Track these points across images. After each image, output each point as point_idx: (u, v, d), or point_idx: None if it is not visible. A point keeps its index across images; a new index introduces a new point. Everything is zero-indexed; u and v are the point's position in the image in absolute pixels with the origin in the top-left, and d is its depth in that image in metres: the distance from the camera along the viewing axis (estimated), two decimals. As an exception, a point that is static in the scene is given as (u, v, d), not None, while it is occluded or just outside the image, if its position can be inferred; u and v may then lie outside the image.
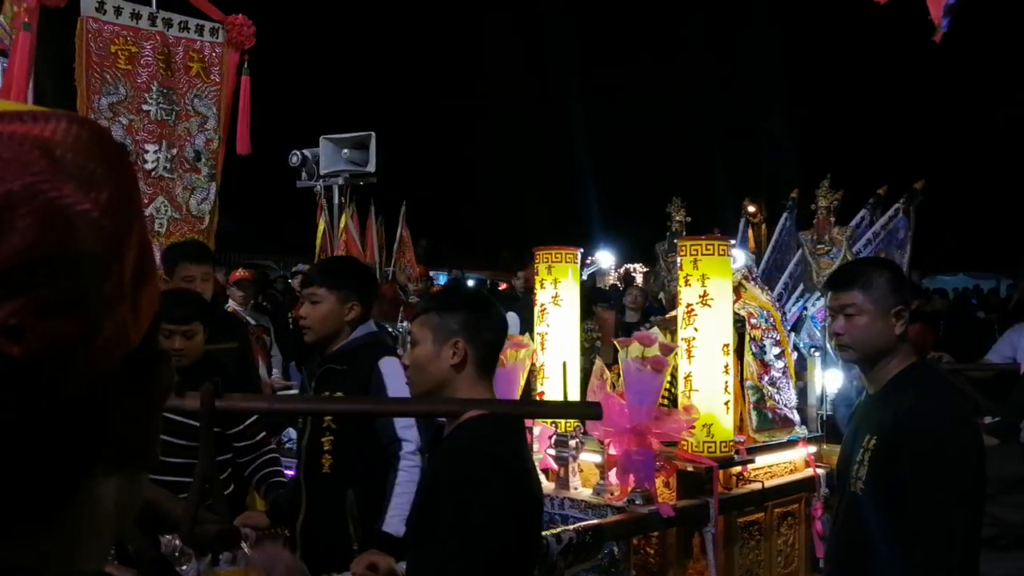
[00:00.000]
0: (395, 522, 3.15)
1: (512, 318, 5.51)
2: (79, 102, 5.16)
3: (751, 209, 6.32)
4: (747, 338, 4.43)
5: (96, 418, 0.56)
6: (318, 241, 8.98)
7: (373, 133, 8.30)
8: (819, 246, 5.15)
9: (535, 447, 4.03)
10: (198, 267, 4.26)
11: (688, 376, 4.07)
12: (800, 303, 5.33)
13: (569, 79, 27.41)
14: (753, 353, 4.44)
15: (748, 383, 4.40)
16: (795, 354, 4.81)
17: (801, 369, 4.87)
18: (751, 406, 4.39)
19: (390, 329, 7.84)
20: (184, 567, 2.91)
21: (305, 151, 8.70)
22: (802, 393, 4.79)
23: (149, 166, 5.43)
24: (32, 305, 0.51)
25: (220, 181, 5.79)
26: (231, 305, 6.65)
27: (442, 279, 16.99)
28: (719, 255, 4.06)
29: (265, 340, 6.85)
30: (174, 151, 5.56)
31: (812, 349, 5.02)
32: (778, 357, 4.54)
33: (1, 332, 0.51)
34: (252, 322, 6.72)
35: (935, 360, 6.36)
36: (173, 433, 3.10)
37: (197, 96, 5.66)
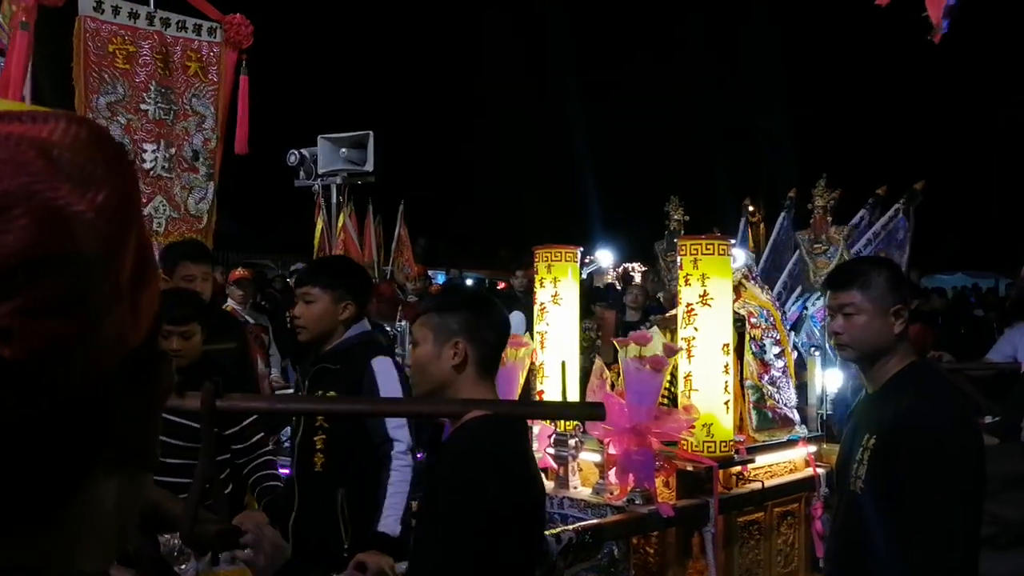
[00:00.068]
0: (391, 522, 3.15)
1: (518, 317, 5.50)
2: (77, 101, 5.15)
3: (750, 208, 6.32)
4: (747, 337, 4.43)
5: (95, 418, 0.56)
6: (316, 240, 8.98)
7: (371, 132, 8.29)
8: (816, 245, 5.15)
9: (535, 446, 4.03)
10: (198, 266, 4.25)
11: (688, 376, 4.06)
12: (799, 302, 5.34)
13: (567, 78, 27.39)
14: (753, 352, 4.43)
15: (748, 382, 4.40)
16: (795, 354, 4.81)
17: (801, 369, 4.87)
18: (751, 405, 4.39)
19: (388, 328, 7.84)
20: (183, 566, 2.91)
21: (303, 150, 8.69)
22: (802, 392, 4.79)
23: (147, 165, 5.42)
24: (26, 306, 0.51)
25: (218, 180, 5.79)
26: (230, 304, 6.64)
27: (440, 278, 16.97)
28: (719, 255, 4.06)
29: (263, 339, 6.84)
30: (172, 150, 5.56)
31: (812, 349, 5.02)
32: (778, 356, 4.54)
33: None
34: (251, 321, 6.71)
35: (935, 359, 6.37)
36: (172, 434, 3.10)
37: (195, 95, 5.66)
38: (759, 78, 25.49)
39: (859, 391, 2.85)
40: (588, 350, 5.48)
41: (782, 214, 5.97)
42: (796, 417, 4.60)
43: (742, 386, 4.36)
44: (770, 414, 4.45)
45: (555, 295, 4.61)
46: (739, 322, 4.35)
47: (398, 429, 3.22)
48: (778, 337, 4.57)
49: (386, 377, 3.29)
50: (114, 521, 0.60)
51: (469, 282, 17.21)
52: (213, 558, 1.95)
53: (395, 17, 27.51)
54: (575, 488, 4.15)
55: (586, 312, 5.19)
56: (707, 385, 4.02)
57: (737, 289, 4.39)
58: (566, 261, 4.66)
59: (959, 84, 23.38)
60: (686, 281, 4.04)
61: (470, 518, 1.88)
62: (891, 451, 2.34)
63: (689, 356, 4.05)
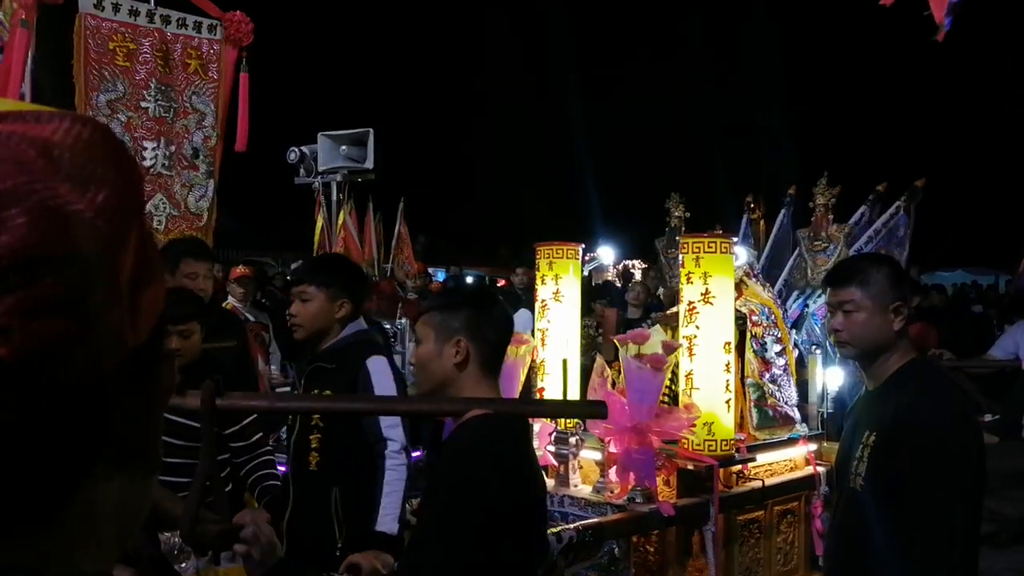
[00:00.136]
0: (388, 520, 3.16)
1: (526, 315, 5.50)
2: (77, 99, 5.15)
3: (751, 205, 6.31)
4: (748, 335, 4.43)
5: (95, 419, 0.56)
6: (316, 238, 8.96)
7: (371, 130, 8.27)
8: (816, 243, 5.15)
9: (535, 444, 4.02)
10: (200, 263, 4.25)
11: (689, 374, 4.06)
12: (800, 300, 5.33)
13: (567, 75, 27.37)
14: (754, 350, 4.43)
15: (749, 380, 4.40)
16: (795, 352, 4.81)
17: (801, 367, 4.87)
18: (752, 404, 4.38)
19: (388, 326, 7.83)
20: (183, 565, 2.91)
21: (303, 148, 8.67)
22: (802, 390, 4.78)
23: (147, 163, 5.42)
24: (22, 305, 0.51)
25: (218, 178, 5.78)
26: (230, 302, 6.64)
27: (440, 275, 16.97)
28: (721, 253, 4.05)
29: (264, 337, 6.83)
30: (172, 148, 5.56)
31: (812, 347, 5.02)
32: (779, 354, 4.53)
33: None
34: (251, 319, 6.70)
35: (935, 356, 6.36)
36: (171, 433, 3.09)
37: (195, 93, 5.65)
38: (759, 75, 25.47)
39: (856, 389, 2.85)
40: (589, 348, 5.46)
41: (782, 211, 5.96)
42: (797, 415, 4.60)
43: (743, 384, 4.36)
44: (771, 412, 4.45)
45: (556, 292, 4.61)
46: (740, 320, 4.35)
47: (392, 428, 3.22)
48: (779, 335, 4.57)
49: (381, 377, 3.29)
50: (115, 522, 0.60)
51: (469, 279, 17.22)
52: (214, 557, 1.95)
53: (395, 14, 27.49)
54: (575, 486, 4.15)
55: (586, 310, 5.18)
56: (708, 384, 4.02)
57: (738, 287, 4.39)
58: (567, 258, 4.65)
59: (960, 81, 23.36)
60: (688, 279, 4.04)
61: (470, 517, 1.88)
62: (891, 448, 2.34)
63: (691, 354, 4.05)
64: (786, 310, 5.08)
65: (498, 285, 13.65)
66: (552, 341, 4.60)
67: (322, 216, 8.88)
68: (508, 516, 1.92)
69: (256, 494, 3.60)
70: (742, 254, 4.52)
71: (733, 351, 4.12)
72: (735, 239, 4.45)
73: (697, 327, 4.03)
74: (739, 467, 4.16)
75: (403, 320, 8.21)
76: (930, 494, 2.24)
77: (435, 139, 26.99)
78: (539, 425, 4.16)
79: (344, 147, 8.35)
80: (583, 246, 4.89)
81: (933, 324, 7.81)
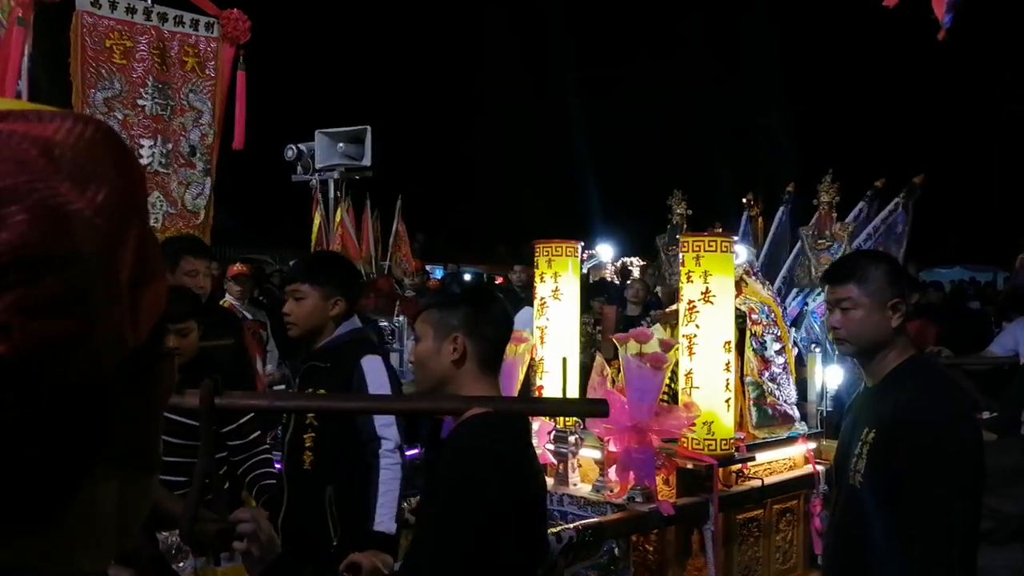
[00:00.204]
0: (386, 520, 3.16)
1: (527, 313, 5.49)
2: (74, 97, 5.14)
3: (745, 202, 6.31)
4: (748, 334, 4.42)
5: (94, 419, 0.56)
6: (313, 235, 8.95)
7: (369, 127, 8.25)
8: (820, 241, 5.14)
9: (535, 442, 4.02)
10: (201, 261, 4.25)
11: (689, 373, 4.05)
12: (800, 298, 5.32)
13: (566, 74, 27.37)
14: (754, 349, 4.42)
15: (748, 379, 4.39)
16: (795, 350, 4.80)
17: (800, 365, 4.86)
18: (751, 402, 4.38)
19: (385, 323, 7.82)
20: (181, 564, 2.90)
21: (300, 145, 8.64)
22: (801, 389, 4.78)
23: (144, 161, 5.40)
24: (22, 303, 0.51)
25: (215, 176, 5.77)
26: (228, 300, 6.63)
27: (438, 273, 16.97)
28: (722, 252, 4.04)
29: (262, 335, 6.82)
30: (169, 146, 5.54)
31: (812, 345, 5.02)
32: (779, 353, 4.53)
33: None
34: (249, 317, 6.69)
35: (934, 354, 6.36)
36: (168, 432, 3.07)
37: (192, 91, 5.64)
38: (757, 74, 25.49)
39: (854, 387, 2.85)
40: (587, 345, 5.45)
41: (781, 208, 5.95)
42: (796, 414, 4.59)
43: (742, 382, 4.35)
44: (770, 411, 4.44)
45: (555, 290, 4.60)
46: (740, 318, 4.34)
47: (386, 427, 3.22)
48: (779, 333, 4.56)
49: (375, 376, 3.29)
50: (115, 522, 0.60)
51: (467, 277, 17.21)
52: (213, 556, 1.94)
53: (393, 12, 27.45)
54: (575, 485, 4.14)
55: (584, 307, 5.18)
56: (708, 383, 4.01)
57: (738, 285, 4.38)
58: (567, 256, 4.64)
59: (958, 78, 23.36)
60: (688, 278, 4.03)
61: (470, 516, 1.87)
62: (890, 445, 2.34)
63: (690, 353, 4.04)
64: (785, 308, 5.08)
65: (496, 283, 13.63)
66: (551, 339, 4.59)
67: (319, 213, 8.86)
68: (508, 515, 1.91)
69: (254, 493, 3.60)
70: (742, 252, 4.51)
71: (733, 350, 4.11)
72: (735, 238, 4.44)
73: (697, 326, 4.02)
74: (738, 466, 4.15)
75: (401, 318, 8.20)
76: (929, 491, 2.24)
77: (434, 137, 26.98)
78: (538, 423, 4.15)
79: (341, 144, 8.33)
80: (582, 244, 4.88)
81: (931, 321, 7.81)
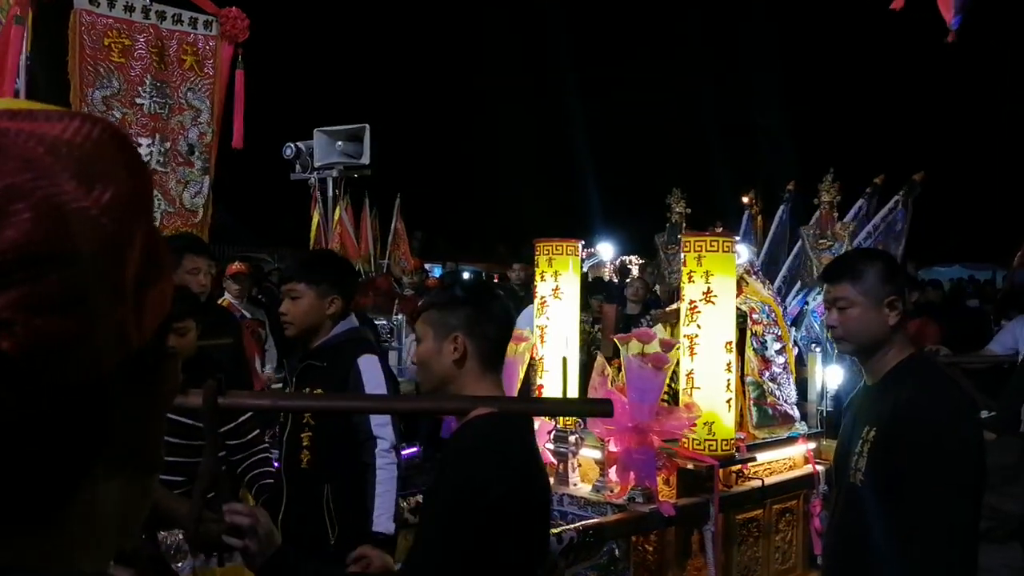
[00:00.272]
0: (384, 520, 3.16)
1: (530, 312, 5.49)
2: (72, 95, 5.12)
3: (745, 201, 6.31)
4: (748, 333, 4.41)
5: (95, 418, 0.56)
6: (312, 234, 8.94)
7: (367, 125, 8.24)
8: (821, 241, 5.13)
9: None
10: (202, 259, 4.25)
11: (690, 373, 4.04)
12: (800, 297, 5.31)
13: (566, 74, 27.37)
14: (754, 349, 4.41)
15: (748, 379, 4.38)
16: (795, 349, 4.79)
17: (800, 364, 4.85)
18: (751, 402, 4.37)
19: (384, 322, 7.81)
20: (179, 564, 2.89)
21: (299, 143, 8.63)
22: (801, 388, 4.77)
23: (142, 160, 5.39)
24: (25, 300, 0.51)
25: (213, 175, 5.76)
26: (227, 298, 6.63)
27: (437, 272, 16.96)
28: (723, 252, 4.03)
29: (260, 334, 6.82)
30: (167, 145, 5.53)
31: (812, 344, 5.01)
32: (779, 352, 4.52)
33: None
34: (247, 315, 6.69)
35: (932, 353, 6.35)
36: (167, 432, 3.07)
37: (190, 89, 5.63)
38: (757, 73, 25.50)
39: (854, 386, 2.84)
40: (587, 344, 5.44)
41: (781, 207, 5.95)
42: (796, 413, 4.59)
43: (743, 382, 4.35)
44: (770, 411, 4.44)
45: (556, 289, 4.59)
46: (740, 318, 4.33)
47: (382, 427, 3.21)
48: (779, 333, 4.55)
49: (371, 375, 3.29)
50: (116, 522, 0.60)
51: (466, 275, 17.20)
52: (218, 558, 1.93)
53: (392, 10, 27.43)
54: (575, 485, 4.13)
55: (583, 305, 5.18)
56: (709, 383, 4.00)
57: (739, 284, 4.37)
58: (567, 255, 4.63)
59: (959, 78, 23.36)
60: (690, 278, 4.02)
61: (473, 516, 1.87)
62: (891, 443, 2.33)
63: (692, 353, 4.03)
64: (785, 307, 5.07)
65: (494, 282, 13.62)
66: (551, 338, 4.58)
67: (318, 212, 8.85)
68: (512, 516, 1.91)
69: (253, 492, 3.59)
70: (743, 252, 4.51)
71: (734, 350, 4.10)
72: (736, 238, 4.43)
73: (698, 326, 4.01)
74: (739, 466, 4.15)
75: (399, 316, 8.20)
76: (928, 490, 2.24)
77: (433, 136, 26.98)
78: (538, 423, 4.14)
79: (340, 143, 8.32)
80: (582, 242, 4.87)
81: (934, 321, 7.81)
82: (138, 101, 5.41)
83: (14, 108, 0.56)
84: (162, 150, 5.50)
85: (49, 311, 0.52)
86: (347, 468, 3.25)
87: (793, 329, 4.97)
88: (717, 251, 4.00)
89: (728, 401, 4.02)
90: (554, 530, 3.27)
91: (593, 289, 8.09)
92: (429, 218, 18.66)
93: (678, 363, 4.06)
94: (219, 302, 6.24)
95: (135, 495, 0.62)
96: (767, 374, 4.43)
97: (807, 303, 5.24)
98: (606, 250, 11.28)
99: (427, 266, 14.65)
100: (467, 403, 2.02)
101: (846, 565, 2.57)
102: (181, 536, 2.83)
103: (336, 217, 9.03)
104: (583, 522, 3.56)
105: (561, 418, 4.12)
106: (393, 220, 11.99)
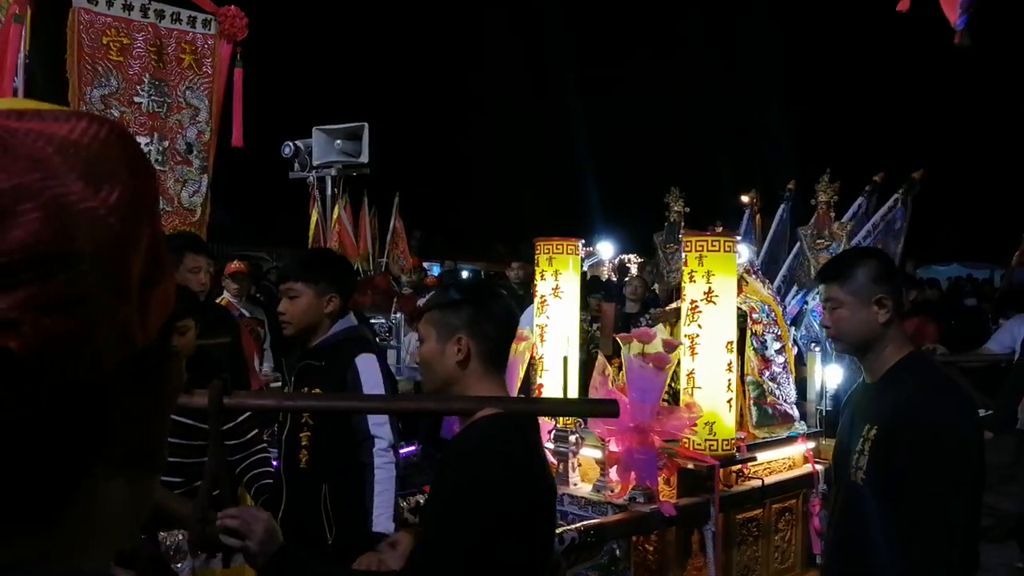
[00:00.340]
0: (383, 520, 3.15)
1: (531, 311, 5.49)
2: (71, 94, 5.11)
3: (744, 200, 6.31)
4: (748, 333, 4.41)
5: (96, 418, 0.56)
6: (311, 232, 8.94)
7: (366, 124, 8.24)
8: (819, 240, 5.13)
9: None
10: (203, 257, 4.25)
11: (691, 373, 4.04)
12: (799, 297, 5.31)
13: (566, 74, 27.39)
14: (754, 348, 4.41)
15: (748, 378, 4.38)
16: (794, 349, 4.79)
17: (800, 364, 4.85)
18: (751, 401, 4.37)
19: (383, 320, 7.81)
20: (179, 565, 2.88)
21: (298, 142, 8.63)
22: (801, 388, 4.77)
23: (141, 159, 5.37)
24: (33, 299, 0.51)
25: (211, 173, 5.75)
26: (225, 297, 6.63)
27: (436, 270, 16.94)
28: (725, 252, 4.03)
29: (259, 332, 6.81)
30: (166, 143, 5.52)
31: (811, 344, 5.01)
32: (779, 352, 4.52)
33: (0, 325, 0.51)
34: (246, 314, 6.68)
35: (929, 352, 6.34)
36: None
37: (189, 88, 5.61)
38: (756, 72, 25.53)
39: (851, 384, 2.84)
40: (586, 343, 5.44)
41: (781, 206, 5.94)
42: (795, 413, 4.59)
43: (742, 382, 4.34)
44: (770, 410, 4.44)
45: (556, 288, 4.58)
46: (740, 317, 4.33)
47: (379, 426, 3.20)
48: (779, 332, 4.55)
49: (369, 375, 3.27)
50: (117, 521, 0.60)
51: (465, 274, 17.19)
52: (223, 559, 1.92)
53: (392, 9, 27.41)
54: (575, 485, 4.12)
55: (582, 304, 5.18)
56: (710, 383, 4.00)
57: (739, 284, 4.37)
58: (567, 253, 4.62)
59: (957, 75, 23.36)
60: (691, 278, 4.01)
61: (476, 517, 1.86)
62: (891, 442, 2.33)
63: (693, 353, 4.03)
64: (785, 307, 5.07)
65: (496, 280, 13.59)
66: (551, 337, 4.58)
67: (317, 211, 8.85)
68: (515, 517, 1.90)
69: (252, 492, 3.58)
70: (743, 251, 4.50)
71: (735, 350, 4.10)
72: (738, 237, 4.43)
73: (699, 326, 4.01)
74: (739, 466, 4.15)
75: (398, 314, 8.19)
76: (928, 489, 2.23)
77: (432, 135, 26.96)
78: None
79: (339, 141, 8.32)
80: (582, 241, 4.86)
81: (933, 319, 7.80)
82: (136, 100, 5.40)
83: (21, 108, 0.57)
84: (160, 149, 5.49)
85: (57, 311, 0.52)
86: (345, 468, 3.25)
87: (793, 328, 4.97)
88: (718, 251, 3.99)
89: (729, 401, 4.02)
90: (556, 530, 3.27)
91: (591, 288, 8.09)
92: (428, 217, 18.65)
93: (679, 363, 4.06)
94: (217, 301, 6.24)
95: (137, 495, 0.61)
96: (767, 373, 4.43)
97: (806, 302, 5.24)
98: (605, 249, 11.27)
99: (426, 265, 14.63)
100: (472, 404, 2.01)
101: (848, 564, 2.56)
102: (181, 537, 2.82)
103: (335, 216, 9.02)
104: (584, 522, 3.55)
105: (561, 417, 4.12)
106: (392, 219, 11.97)
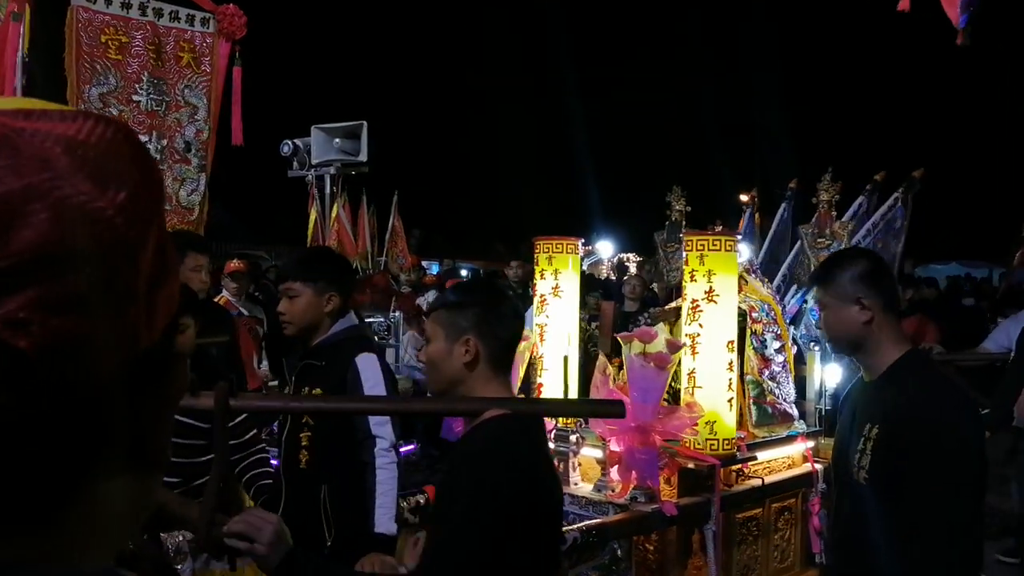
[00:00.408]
0: (385, 520, 3.13)
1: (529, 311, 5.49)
2: (69, 92, 5.10)
3: (744, 199, 6.31)
4: (748, 332, 4.40)
5: (99, 418, 0.55)
6: (309, 231, 8.93)
7: (365, 122, 8.23)
8: (820, 239, 5.12)
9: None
10: (205, 256, 4.24)
11: (692, 372, 4.03)
12: (799, 296, 5.31)
13: (566, 74, 27.41)
14: (754, 347, 4.41)
15: (748, 377, 4.38)
16: (794, 348, 4.79)
17: (799, 363, 4.85)
18: (751, 401, 4.37)
19: (381, 319, 7.81)
20: (180, 567, 2.88)
21: (296, 140, 8.62)
22: (800, 387, 4.77)
23: (140, 157, 5.37)
24: (42, 300, 0.51)
25: (210, 172, 5.74)
26: (224, 296, 6.63)
27: (435, 269, 16.95)
28: (726, 250, 4.02)
29: (258, 331, 6.81)
30: (164, 142, 5.51)
31: (811, 343, 5.00)
32: (778, 351, 4.52)
33: (10, 325, 0.51)
34: (245, 313, 6.68)
35: (926, 351, 6.34)
36: None
37: (187, 86, 5.60)
38: (756, 71, 25.55)
39: (849, 382, 2.85)
40: (584, 342, 5.43)
41: (783, 205, 5.94)
42: (795, 412, 4.58)
43: (742, 381, 4.34)
44: (770, 409, 4.43)
45: (556, 287, 4.57)
46: (740, 316, 4.33)
47: (381, 426, 3.18)
48: (779, 332, 4.55)
49: (369, 374, 3.25)
50: (118, 521, 0.60)
51: (464, 273, 17.17)
52: (230, 562, 1.91)
53: (392, 8, 27.39)
54: (576, 484, 4.12)
55: (580, 303, 5.18)
56: (711, 382, 3.99)
57: (738, 283, 4.37)
58: (567, 253, 4.62)
59: (957, 76, 23.38)
60: (692, 277, 4.01)
61: (484, 519, 1.85)
62: (892, 442, 2.32)
63: (694, 353, 4.02)
64: (784, 305, 5.07)
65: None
66: (551, 336, 4.57)
67: (315, 209, 8.84)
68: (523, 519, 1.89)
69: (251, 492, 3.58)
70: (744, 251, 4.50)
71: (735, 349, 4.10)
72: (739, 236, 4.43)
73: (700, 325, 4.00)
74: (739, 465, 4.14)
75: (396, 313, 8.20)
76: (928, 490, 2.23)
77: (431, 134, 26.96)
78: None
79: (338, 140, 8.31)
80: (582, 240, 4.86)
81: (932, 319, 7.79)
82: (135, 98, 5.39)
83: (28, 107, 0.56)
84: (159, 147, 5.48)
85: (66, 311, 0.52)
86: (345, 468, 3.23)
87: (792, 327, 4.97)
88: (719, 250, 3.99)
89: (730, 400, 4.01)
90: (558, 531, 3.26)
91: (589, 286, 8.08)
92: (427, 215, 18.65)
93: (679, 362, 4.05)
94: (216, 300, 6.24)
95: (138, 494, 0.61)
96: (766, 373, 4.43)
97: (806, 301, 5.23)
98: (605, 248, 11.29)
99: (424, 263, 14.64)
100: (479, 405, 2.00)
101: (849, 563, 2.56)
102: (181, 538, 2.82)
103: (333, 214, 9.01)
104: (586, 522, 3.55)
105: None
106: (391, 217, 11.98)
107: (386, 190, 11.78)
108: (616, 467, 3.85)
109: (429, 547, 1.96)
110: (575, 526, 3.40)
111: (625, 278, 9.73)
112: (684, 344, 3.99)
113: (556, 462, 4.11)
